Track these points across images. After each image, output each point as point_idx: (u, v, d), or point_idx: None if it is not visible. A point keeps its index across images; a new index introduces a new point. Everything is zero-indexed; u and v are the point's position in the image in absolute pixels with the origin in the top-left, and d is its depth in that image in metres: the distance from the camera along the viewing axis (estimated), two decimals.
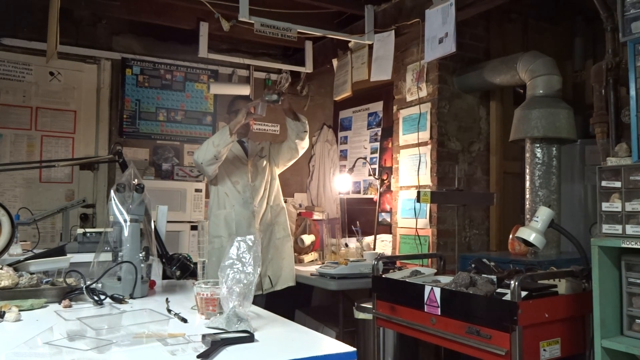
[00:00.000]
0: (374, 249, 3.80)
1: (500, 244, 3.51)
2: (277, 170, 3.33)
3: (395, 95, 3.80)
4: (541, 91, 2.93)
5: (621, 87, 2.35)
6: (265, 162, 3.25)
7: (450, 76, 3.49)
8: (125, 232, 2.01)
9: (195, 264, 2.37)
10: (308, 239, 4.00)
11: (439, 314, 2.13)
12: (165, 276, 2.39)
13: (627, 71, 1.97)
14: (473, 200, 3.26)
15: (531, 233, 2.17)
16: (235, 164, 3.16)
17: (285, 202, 3.40)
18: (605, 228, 1.94)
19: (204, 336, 1.38)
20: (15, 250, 2.64)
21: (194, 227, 4.07)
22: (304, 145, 3.20)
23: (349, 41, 3.86)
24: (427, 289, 2.19)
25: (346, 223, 4.42)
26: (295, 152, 3.21)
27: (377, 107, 4.37)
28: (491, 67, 3.30)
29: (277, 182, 3.31)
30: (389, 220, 3.97)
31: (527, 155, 2.95)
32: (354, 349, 1.35)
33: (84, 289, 1.87)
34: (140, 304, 1.86)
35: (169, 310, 1.73)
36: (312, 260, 3.94)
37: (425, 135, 3.47)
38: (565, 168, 3.14)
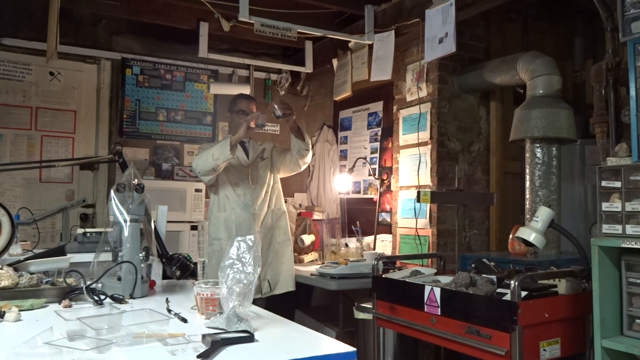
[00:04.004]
0: (374, 249, 3.79)
1: (500, 244, 3.50)
2: (278, 176, 3.33)
3: (395, 95, 3.80)
4: (541, 91, 2.93)
5: (621, 87, 2.35)
6: (266, 165, 3.24)
7: (450, 76, 3.49)
8: (125, 232, 2.01)
9: (195, 264, 2.37)
10: (308, 239, 3.99)
11: (439, 314, 2.13)
12: (165, 276, 2.39)
13: (627, 71, 1.97)
14: (473, 200, 3.26)
15: (531, 233, 2.17)
16: (235, 167, 3.14)
17: (285, 202, 3.39)
18: (605, 228, 1.94)
19: (204, 336, 1.38)
20: (15, 250, 2.64)
21: (194, 227, 4.07)
22: (306, 161, 3.19)
23: (349, 41, 3.86)
24: (427, 289, 2.19)
25: (346, 223, 4.42)
26: (296, 165, 3.20)
27: (377, 107, 4.37)
28: (491, 67, 3.30)
29: (278, 186, 3.30)
30: (389, 220, 3.96)
31: (527, 155, 2.95)
32: (354, 349, 1.34)
33: (84, 289, 1.86)
34: (140, 304, 1.86)
35: (169, 310, 1.73)
36: (312, 260, 3.93)
37: (425, 135, 3.47)
38: (565, 168, 3.13)
